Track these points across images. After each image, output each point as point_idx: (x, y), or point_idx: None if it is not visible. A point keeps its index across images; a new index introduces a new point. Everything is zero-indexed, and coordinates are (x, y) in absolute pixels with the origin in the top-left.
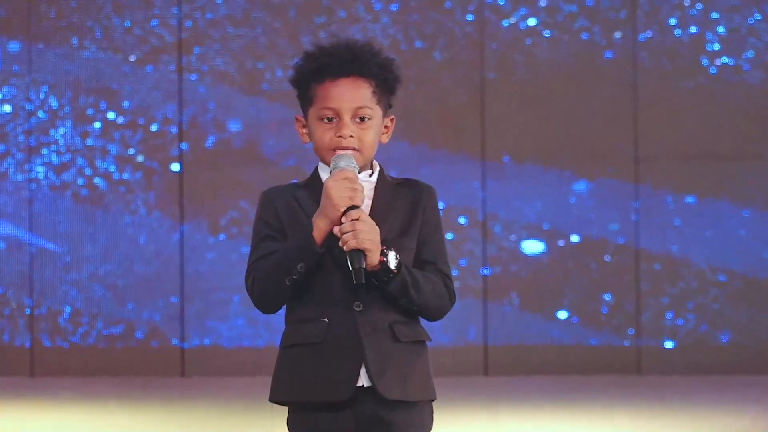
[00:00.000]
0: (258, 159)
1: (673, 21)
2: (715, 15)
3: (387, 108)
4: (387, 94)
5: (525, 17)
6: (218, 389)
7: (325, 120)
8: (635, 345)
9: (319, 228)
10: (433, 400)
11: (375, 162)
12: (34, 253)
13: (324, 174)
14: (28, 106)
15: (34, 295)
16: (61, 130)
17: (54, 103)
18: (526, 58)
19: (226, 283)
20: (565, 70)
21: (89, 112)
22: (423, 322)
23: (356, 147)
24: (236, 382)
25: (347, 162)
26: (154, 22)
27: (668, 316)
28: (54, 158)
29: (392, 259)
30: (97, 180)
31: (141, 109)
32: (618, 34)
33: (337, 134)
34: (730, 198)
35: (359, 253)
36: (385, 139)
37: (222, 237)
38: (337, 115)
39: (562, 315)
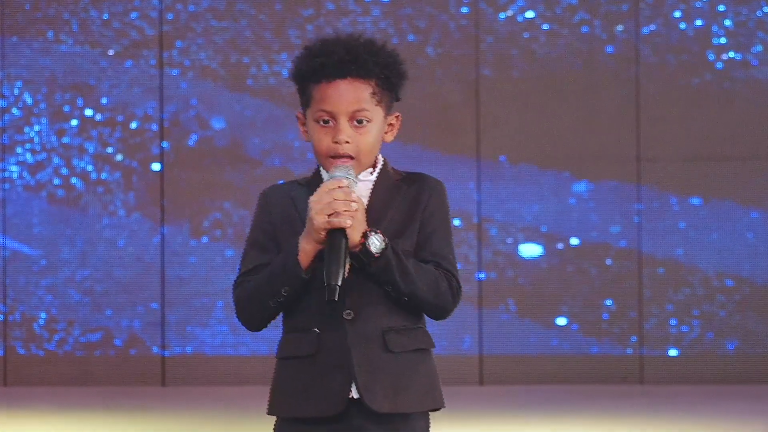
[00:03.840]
0: (242, 158)
1: (677, 14)
2: (721, 7)
3: (390, 105)
4: (389, 93)
5: (522, 10)
6: (200, 399)
7: (322, 122)
8: (638, 353)
9: (305, 251)
10: (434, 410)
11: (379, 157)
12: (7, 257)
13: (326, 176)
14: (2, 103)
15: (7, 301)
16: (36, 127)
17: (29, 100)
18: (523, 52)
19: (209, 289)
20: (564, 65)
21: (66, 108)
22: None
23: (352, 155)
24: (219, 391)
25: (343, 173)
26: (133, 15)
27: (672, 323)
28: (29, 157)
29: (375, 242)
30: (73, 180)
31: (120, 106)
32: (620, 28)
33: (334, 140)
34: (737, 199)
35: (339, 234)
36: (389, 138)
37: (205, 240)
38: (333, 117)
39: (562, 322)
